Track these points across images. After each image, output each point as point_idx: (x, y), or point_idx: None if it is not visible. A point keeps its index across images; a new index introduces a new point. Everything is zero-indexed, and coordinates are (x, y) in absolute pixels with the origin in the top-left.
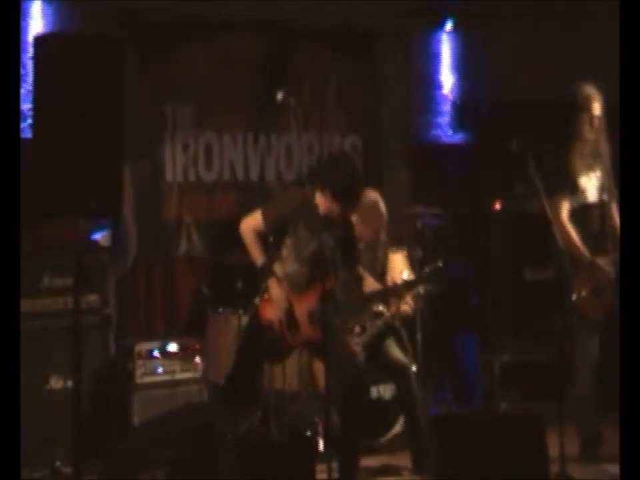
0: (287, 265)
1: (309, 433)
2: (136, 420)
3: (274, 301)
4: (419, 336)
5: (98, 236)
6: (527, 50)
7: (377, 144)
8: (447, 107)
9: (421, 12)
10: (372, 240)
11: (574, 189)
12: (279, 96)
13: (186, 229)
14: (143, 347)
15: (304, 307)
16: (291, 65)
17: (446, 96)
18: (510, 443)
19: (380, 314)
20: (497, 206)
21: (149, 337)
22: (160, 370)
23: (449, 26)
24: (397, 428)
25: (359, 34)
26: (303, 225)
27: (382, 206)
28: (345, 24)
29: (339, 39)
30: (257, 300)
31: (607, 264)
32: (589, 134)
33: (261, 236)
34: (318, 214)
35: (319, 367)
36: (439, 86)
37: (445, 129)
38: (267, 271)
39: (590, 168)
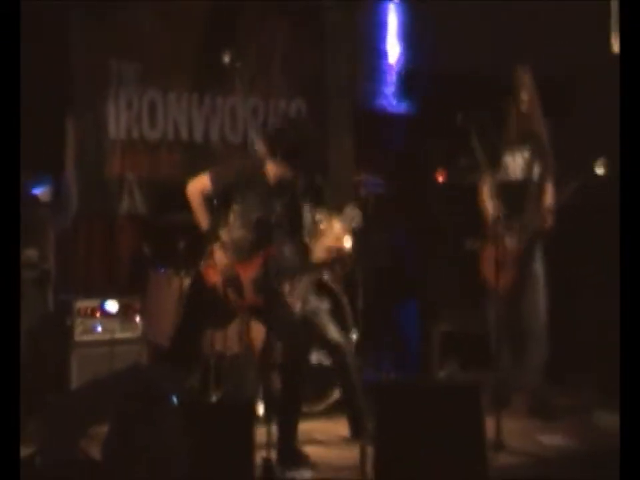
0: (233, 230)
1: (248, 397)
2: (74, 377)
3: (219, 268)
4: (359, 303)
5: (38, 190)
6: (474, 23)
7: (322, 110)
8: (392, 77)
9: None
10: None
11: (497, 165)
12: (225, 58)
13: (128, 186)
14: (82, 304)
15: (249, 274)
16: (238, 27)
17: (392, 65)
18: (447, 411)
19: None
20: (440, 177)
21: (88, 295)
22: (99, 328)
23: None
24: (336, 394)
25: None
26: (251, 192)
27: None
28: None
29: (286, 2)
30: (202, 264)
31: (510, 240)
32: (516, 115)
33: (207, 199)
34: (267, 182)
35: (257, 330)
36: (385, 55)
37: (389, 98)
38: (212, 235)
39: (517, 147)
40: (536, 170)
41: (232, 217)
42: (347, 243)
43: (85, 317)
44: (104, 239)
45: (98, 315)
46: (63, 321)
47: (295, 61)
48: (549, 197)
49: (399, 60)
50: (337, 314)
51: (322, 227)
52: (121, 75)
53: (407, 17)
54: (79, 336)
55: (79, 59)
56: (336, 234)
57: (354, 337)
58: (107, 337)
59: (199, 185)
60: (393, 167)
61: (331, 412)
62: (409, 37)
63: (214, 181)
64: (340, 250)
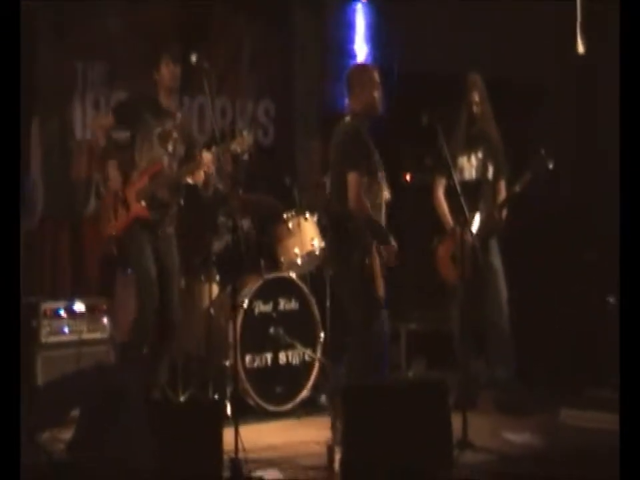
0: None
1: (216, 397)
2: (40, 379)
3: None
4: (327, 304)
5: None
6: (441, 23)
7: (290, 110)
8: None
9: None
10: None
11: (452, 166)
12: (193, 58)
13: (95, 187)
14: (48, 305)
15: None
16: (206, 27)
17: None
18: (414, 410)
19: None
20: (408, 177)
21: (55, 296)
22: (66, 330)
23: None
24: (304, 394)
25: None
26: (147, 113)
27: None
28: None
29: (254, 3)
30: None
31: (466, 237)
32: (469, 118)
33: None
34: (159, 102)
35: None
36: (353, 55)
37: None
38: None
39: (470, 148)
40: (490, 170)
41: (139, 140)
42: (315, 242)
43: (52, 319)
44: (70, 240)
45: (65, 316)
46: (29, 322)
47: (262, 62)
48: (502, 194)
49: (366, 60)
50: (305, 314)
51: (290, 226)
52: (87, 75)
53: (375, 17)
54: (46, 337)
55: (44, 60)
56: (304, 235)
57: (322, 336)
58: (74, 338)
59: (103, 122)
60: None
61: (298, 412)
62: (377, 38)
63: (116, 113)
64: (310, 252)
